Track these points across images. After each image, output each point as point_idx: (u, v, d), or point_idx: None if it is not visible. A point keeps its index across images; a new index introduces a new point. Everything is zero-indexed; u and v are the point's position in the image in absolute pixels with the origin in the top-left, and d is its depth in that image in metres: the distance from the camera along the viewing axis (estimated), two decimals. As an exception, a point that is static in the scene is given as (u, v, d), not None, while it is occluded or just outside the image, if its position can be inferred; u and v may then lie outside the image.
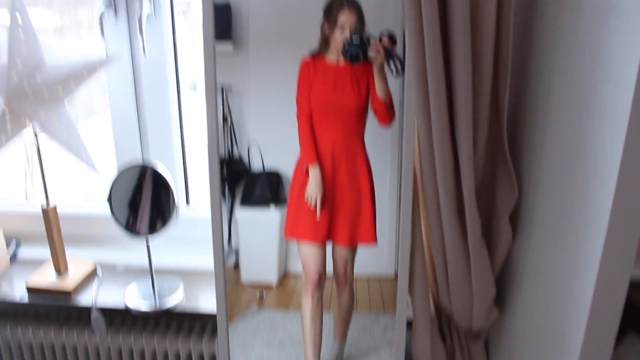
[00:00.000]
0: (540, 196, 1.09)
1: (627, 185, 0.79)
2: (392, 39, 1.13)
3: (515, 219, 1.18)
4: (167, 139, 1.67)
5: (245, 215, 1.29)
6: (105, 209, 1.41)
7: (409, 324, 1.28)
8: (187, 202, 1.78)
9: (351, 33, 1.12)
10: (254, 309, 1.34)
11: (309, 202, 1.21)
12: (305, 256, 1.26)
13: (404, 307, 1.23)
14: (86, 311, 1.50)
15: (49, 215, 1.48)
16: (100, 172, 1.44)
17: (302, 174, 1.22)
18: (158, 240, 1.43)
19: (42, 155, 1.44)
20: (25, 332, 1.57)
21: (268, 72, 1.23)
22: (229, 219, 1.28)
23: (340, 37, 1.13)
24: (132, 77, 1.60)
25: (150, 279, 1.51)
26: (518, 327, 1.19)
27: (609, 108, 0.81)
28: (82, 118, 1.83)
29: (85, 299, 1.53)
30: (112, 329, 1.55)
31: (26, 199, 1.48)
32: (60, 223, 1.54)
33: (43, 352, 1.60)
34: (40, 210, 1.50)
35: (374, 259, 1.29)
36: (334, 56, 1.16)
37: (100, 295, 1.53)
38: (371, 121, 1.20)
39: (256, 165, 1.26)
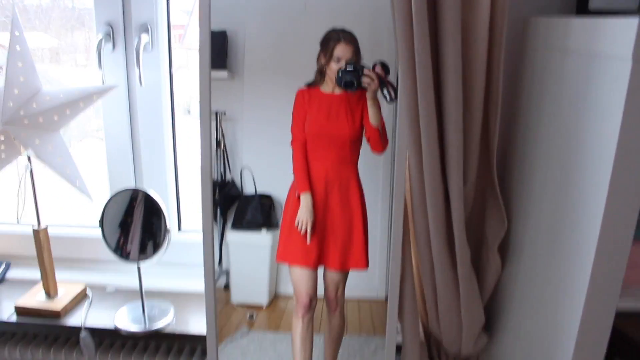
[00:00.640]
0: (529, 227, 1.11)
1: (613, 221, 0.81)
2: (385, 68, 1.15)
3: (504, 249, 1.20)
4: (161, 164, 1.67)
5: (237, 238, 1.30)
6: (97, 232, 1.41)
7: (399, 349, 1.28)
8: (179, 228, 1.78)
9: (346, 63, 1.14)
10: (244, 329, 1.33)
11: (299, 227, 1.22)
12: (296, 280, 1.26)
13: (393, 332, 1.24)
14: (75, 332, 1.49)
15: (40, 237, 1.48)
16: (93, 198, 1.45)
17: (294, 199, 1.23)
18: (149, 263, 1.43)
19: (34, 179, 1.44)
20: (13, 352, 1.56)
21: (262, 99, 1.24)
22: (220, 241, 1.28)
23: (335, 68, 1.15)
24: (128, 104, 1.61)
25: (141, 302, 1.51)
26: (507, 353, 1.20)
27: (595, 147, 0.83)
28: (75, 140, 1.84)
29: (74, 320, 1.52)
30: (102, 350, 1.54)
31: (18, 222, 1.47)
32: (51, 245, 1.54)
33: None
34: (31, 232, 1.49)
35: (365, 282, 1.29)
36: (329, 87, 1.18)
37: (90, 318, 1.52)
38: (364, 147, 1.21)
39: (249, 190, 1.26)
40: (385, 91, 1.14)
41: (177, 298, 1.63)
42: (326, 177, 1.21)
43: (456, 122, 1.02)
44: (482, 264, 1.21)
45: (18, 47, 1.32)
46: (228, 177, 1.25)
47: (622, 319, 1.10)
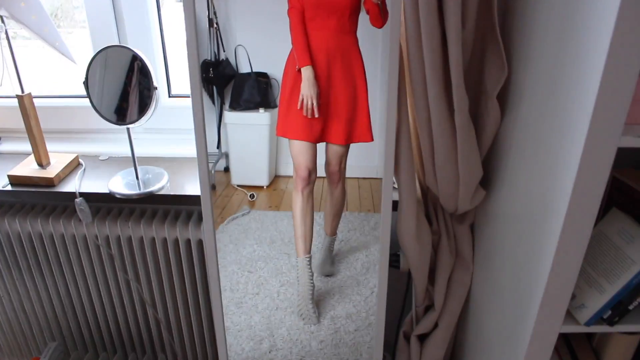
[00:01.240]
0: (529, 75, 1.05)
1: (617, 59, 0.76)
2: None
3: (503, 99, 1.15)
4: (145, 24, 1.60)
5: (235, 119, 1.27)
6: (87, 102, 1.36)
7: (396, 207, 1.28)
8: (169, 93, 1.72)
9: None
10: (245, 208, 1.34)
11: (304, 103, 1.18)
12: (296, 153, 1.25)
13: (389, 187, 1.22)
14: (71, 199, 1.50)
15: (24, 103, 1.44)
16: (76, 61, 1.39)
17: (293, 72, 1.18)
18: (139, 125, 1.39)
19: (11, 42, 1.37)
20: (12, 222, 1.57)
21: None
22: (218, 123, 1.26)
23: None
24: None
25: (133, 166, 1.49)
26: (504, 209, 1.19)
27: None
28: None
29: (68, 187, 1.52)
30: (99, 217, 1.55)
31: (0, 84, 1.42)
32: (42, 117, 1.52)
33: (32, 241, 1.61)
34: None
35: (365, 161, 1.29)
36: None
37: (85, 186, 1.52)
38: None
39: (244, 69, 1.22)
40: None
41: (171, 164, 1.62)
42: (327, 48, 1.16)
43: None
44: (480, 113, 1.17)
45: None
46: (222, 55, 1.21)
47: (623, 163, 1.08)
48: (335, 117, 1.21)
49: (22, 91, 1.44)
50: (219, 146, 1.27)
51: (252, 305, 1.40)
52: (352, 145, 1.25)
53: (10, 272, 1.69)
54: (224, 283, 1.36)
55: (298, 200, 1.29)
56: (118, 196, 1.46)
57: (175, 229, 1.52)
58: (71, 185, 1.52)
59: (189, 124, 1.19)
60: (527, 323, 1.02)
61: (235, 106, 1.26)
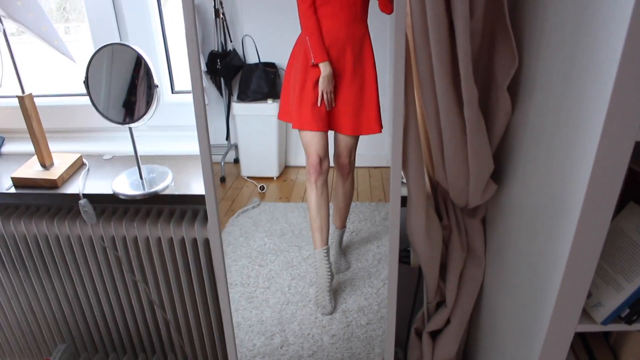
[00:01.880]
0: (542, 65, 1.02)
1: (635, 51, 0.72)
2: None
3: (514, 90, 1.12)
4: (146, 20, 1.57)
5: (243, 110, 1.26)
6: (89, 100, 1.34)
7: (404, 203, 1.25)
8: (172, 89, 1.70)
9: None
10: (255, 200, 1.32)
11: (325, 99, 1.17)
12: (307, 141, 1.23)
13: (398, 185, 1.19)
14: (75, 201, 1.48)
15: (26, 103, 1.42)
16: (76, 60, 1.37)
17: (303, 64, 1.16)
18: (141, 124, 1.36)
19: (16, 40, 1.35)
20: (17, 224, 1.55)
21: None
22: (226, 115, 1.25)
23: None
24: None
25: (137, 166, 1.47)
26: (516, 203, 1.16)
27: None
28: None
29: (73, 188, 1.50)
30: (103, 218, 1.53)
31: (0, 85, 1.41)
32: (44, 117, 1.50)
33: (38, 243, 1.60)
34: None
35: (375, 150, 1.27)
36: None
37: (89, 187, 1.50)
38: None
39: (252, 60, 1.21)
40: None
41: (175, 162, 1.60)
42: (337, 37, 1.14)
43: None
44: (491, 105, 1.14)
45: None
46: (229, 46, 1.20)
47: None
48: (344, 107, 1.19)
49: (23, 92, 1.42)
50: (227, 138, 1.26)
51: (263, 299, 1.39)
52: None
53: (18, 275, 1.68)
54: (234, 277, 1.35)
55: (312, 193, 1.27)
56: (122, 197, 1.44)
57: (181, 229, 1.49)
58: (75, 187, 1.50)
59: (194, 120, 1.17)
60: (541, 322, 0.99)
61: (244, 97, 1.24)
